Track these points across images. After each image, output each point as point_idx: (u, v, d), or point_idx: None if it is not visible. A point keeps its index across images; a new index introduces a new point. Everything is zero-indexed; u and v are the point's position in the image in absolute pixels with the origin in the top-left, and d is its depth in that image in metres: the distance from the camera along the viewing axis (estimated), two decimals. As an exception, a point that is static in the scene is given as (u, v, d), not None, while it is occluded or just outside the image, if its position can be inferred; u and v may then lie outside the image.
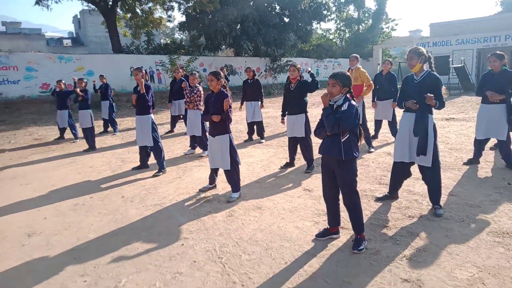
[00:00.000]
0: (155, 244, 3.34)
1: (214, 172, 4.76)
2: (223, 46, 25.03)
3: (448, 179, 4.75)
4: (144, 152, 5.89)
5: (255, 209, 4.08)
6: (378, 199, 4.18)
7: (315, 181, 4.98)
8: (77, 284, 2.74)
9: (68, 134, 9.22)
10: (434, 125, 3.67)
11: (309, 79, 5.36)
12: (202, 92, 6.51)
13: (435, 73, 3.66)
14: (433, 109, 3.66)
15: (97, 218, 4.02)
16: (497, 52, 4.99)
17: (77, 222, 3.93)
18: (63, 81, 8.89)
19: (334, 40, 37.29)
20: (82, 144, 8.29)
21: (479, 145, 5.35)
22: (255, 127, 8.05)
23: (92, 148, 7.64)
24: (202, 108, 6.59)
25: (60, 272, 2.91)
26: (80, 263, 3.04)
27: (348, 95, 2.90)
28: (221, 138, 4.34)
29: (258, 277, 2.74)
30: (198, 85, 6.56)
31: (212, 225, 3.71)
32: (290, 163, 5.73)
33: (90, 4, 20.07)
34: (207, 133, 6.72)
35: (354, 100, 2.91)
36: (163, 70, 19.10)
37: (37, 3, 17.77)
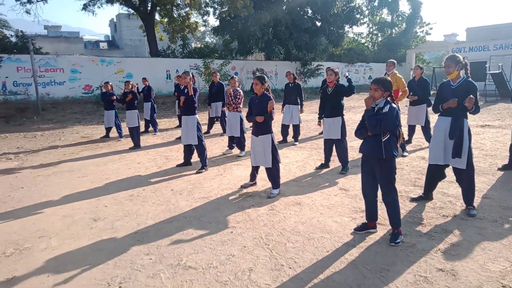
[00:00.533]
0: (207, 230, 3.72)
1: (255, 170, 5.11)
2: (254, 50, 25.49)
3: (482, 183, 4.87)
4: (188, 150, 6.34)
5: (295, 205, 4.39)
6: (413, 200, 4.38)
7: (351, 182, 5.22)
8: (144, 261, 3.15)
9: (113, 133, 9.87)
10: (469, 129, 3.85)
11: (346, 84, 5.59)
12: (242, 95, 6.89)
13: (471, 79, 3.84)
14: (468, 114, 3.84)
15: (152, 207, 4.46)
16: None
17: (134, 210, 4.38)
18: (110, 83, 9.54)
19: (366, 44, 36.96)
20: (127, 143, 8.89)
21: None
22: (289, 129, 8.33)
23: (137, 146, 8.20)
24: (242, 110, 7.00)
25: (127, 251, 3.33)
26: (144, 244, 3.46)
27: (389, 98, 3.16)
28: (264, 138, 4.69)
29: (303, 261, 3.05)
30: (238, 88, 6.95)
31: (256, 217, 4.05)
32: (325, 165, 5.99)
33: (129, 9, 21.08)
34: (245, 134, 7.14)
35: (395, 103, 3.17)
36: (197, 73, 19.76)
37: (83, 8, 18.95)
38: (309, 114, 13.59)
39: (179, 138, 9.33)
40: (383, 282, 2.72)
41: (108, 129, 9.72)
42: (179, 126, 11.20)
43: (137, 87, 10.95)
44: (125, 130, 9.87)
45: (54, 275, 2.94)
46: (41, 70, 15.96)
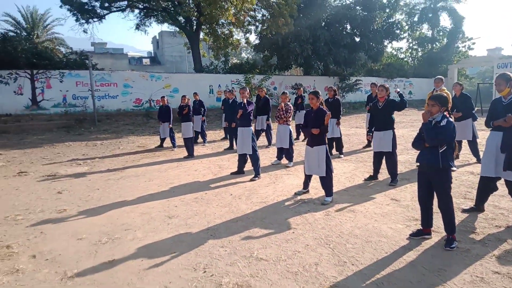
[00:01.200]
0: (270, 230, 4.12)
1: (308, 178, 5.48)
2: (293, 65, 26.04)
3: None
4: (242, 160, 6.81)
5: (349, 212, 4.70)
6: (464, 211, 4.55)
7: (401, 193, 5.45)
8: (220, 252, 3.59)
9: (167, 143, 10.60)
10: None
11: (397, 99, 5.85)
12: (292, 109, 7.33)
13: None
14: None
15: (217, 209, 4.93)
16: None
17: (202, 210, 4.87)
18: (166, 97, 10.31)
19: (405, 59, 36.52)
20: (180, 152, 9.56)
21: None
22: (334, 143, 8.63)
23: (191, 155, 8.82)
24: (291, 123, 7.41)
25: (204, 243, 3.79)
26: (218, 238, 3.91)
27: (445, 113, 3.45)
28: (319, 149, 5.06)
29: (364, 260, 3.36)
30: (288, 103, 7.39)
31: (314, 221, 4.40)
32: (374, 176, 6.24)
33: (176, 28, 22.36)
34: (293, 146, 7.53)
35: (451, 117, 3.46)
36: (237, 88, 20.53)
37: (136, 28, 20.44)
38: (349, 129, 13.78)
39: (227, 149, 9.92)
40: (441, 280, 2.98)
41: (163, 140, 10.46)
42: (225, 138, 11.88)
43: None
44: (178, 141, 10.61)
45: (146, 260, 3.44)
46: (97, 84, 17.28)
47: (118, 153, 9.70)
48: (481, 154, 7.59)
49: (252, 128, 6.64)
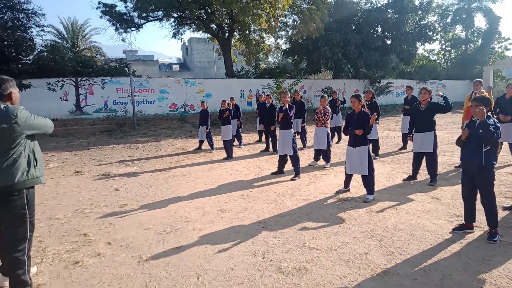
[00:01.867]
0: (318, 224, 4.43)
1: (349, 177, 5.74)
2: (323, 69, 26.19)
3: None
4: (282, 160, 7.15)
5: (391, 208, 4.93)
6: (505, 208, 4.68)
7: (441, 192, 5.61)
8: (274, 242, 3.94)
9: (205, 146, 11.11)
10: None
11: (440, 101, 5.95)
12: (330, 112, 7.61)
13: None
14: None
15: (263, 205, 5.29)
16: None
17: (250, 206, 5.25)
18: (206, 102, 10.83)
19: (437, 61, 35.77)
20: (218, 154, 10.02)
21: None
22: (370, 144, 8.80)
23: (230, 157, 9.25)
24: (329, 125, 7.69)
25: (259, 234, 4.16)
26: (270, 230, 4.27)
27: (489, 113, 3.65)
28: (361, 149, 5.32)
29: (411, 250, 3.61)
30: (327, 106, 7.68)
31: (358, 217, 4.67)
32: (413, 177, 6.40)
33: (208, 35, 23.08)
34: (331, 147, 7.79)
35: (493, 117, 3.65)
36: (270, 92, 20.94)
37: (173, 36, 21.40)
38: (382, 131, 13.84)
39: (263, 151, 10.29)
40: (486, 268, 3.19)
41: (201, 142, 10.98)
42: (259, 140, 12.29)
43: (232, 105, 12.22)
44: (215, 143, 11.09)
45: (210, 246, 3.84)
46: (136, 90, 18.17)
47: (161, 155, 10.29)
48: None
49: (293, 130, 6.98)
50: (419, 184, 6.16)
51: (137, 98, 18.12)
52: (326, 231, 4.20)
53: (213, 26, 21.31)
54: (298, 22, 19.35)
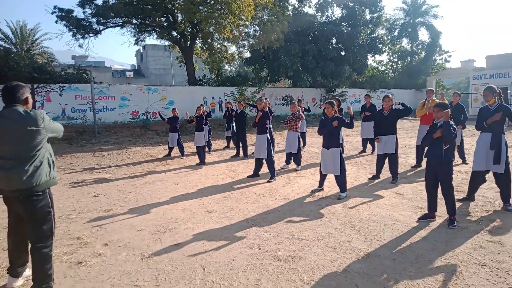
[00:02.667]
0: (301, 218, 4.85)
1: (323, 177, 6.25)
2: (282, 78, 27.10)
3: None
4: (258, 164, 7.54)
5: (363, 204, 5.48)
6: (458, 200, 5.39)
7: (403, 189, 6.29)
8: (266, 235, 4.29)
9: (174, 152, 11.20)
10: (506, 141, 4.93)
11: (400, 107, 6.64)
12: (301, 117, 8.14)
13: (504, 103, 4.97)
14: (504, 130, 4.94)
15: (247, 204, 5.63)
16: None
17: (235, 206, 5.56)
18: (176, 109, 10.96)
19: (386, 71, 38.30)
20: (190, 160, 10.19)
21: None
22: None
23: (202, 162, 9.47)
24: (299, 129, 8.21)
25: (249, 230, 4.49)
26: (259, 226, 4.61)
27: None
28: (334, 150, 5.85)
29: (386, 237, 4.13)
30: (296, 112, 8.19)
31: (335, 211, 5.16)
32: (377, 176, 7.07)
33: (169, 42, 23.07)
34: (301, 151, 8.30)
35: (451, 121, 4.31)
36: (232, 100, 21.32)
37: (136, 43, 21.15)
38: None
39: (234, 156, 10.62)
40: (450, 248, 3.78)
41: (171, 149, 11.07)
42: (227, 147, 12.60)
43: (207, 112, 12.41)
44: (186, 150, 11.22)
45: (207, 242, 4.11)
46: (96, 98, 17.71)
47: (130, 162, 10.25)
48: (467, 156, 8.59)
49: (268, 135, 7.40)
50: (383, 182, 6.83)
51: (97, 105, 17.64)
52: (310, 224, 4.63)
53: (174, 33, 21.37)
54: (260, 32, 20.01)
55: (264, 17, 20.60)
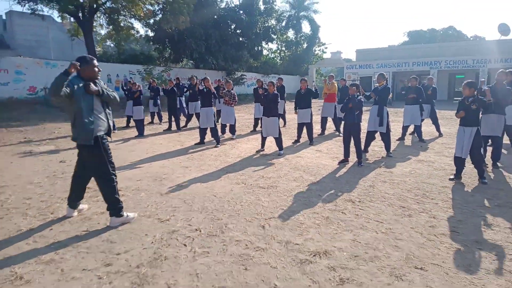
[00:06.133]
0: (260, 167, 6.52)
1: (264, 140, 8.00)
2: (185, 59, 27.81)
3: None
4: (203, 133, 8.87)
5: (297, 157, 7.44)
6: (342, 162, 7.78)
7: (319, 147, 8.50)
8: (242, 178, 5.83)
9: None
10: (387, 111, 7.46)
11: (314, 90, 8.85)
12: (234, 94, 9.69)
13: (387, 85, 7.46)
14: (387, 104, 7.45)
15: (211, 162, 7.02)
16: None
17: (202, 163, 6.90)
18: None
19: (275, 58, 42.02)
20: (125, 133, 10.78)
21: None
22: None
23: (141, 135, 10.25)
24: (234, 104, 9.75)
25: (227, 175, 5.96)
26: (233, 173, 6.12)
27: (359, 92, 6.48)
28: (274, 119, 7.63)
29: (322, 172, 6.12)
30: (232, 90, 9.69)
31: (281, 162, 6.98)
32: (298, 140, 9.17)
33: (65, 14, 21.45)
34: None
35: (361, 95, 6.50)
36: (139, 78, 21.33)
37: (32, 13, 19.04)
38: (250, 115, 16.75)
39: (167, 129, 11.60)
40: (364, 175, 5.95)
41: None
42: (151, 122, 13.35)
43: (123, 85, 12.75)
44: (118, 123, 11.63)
45: (202, 183, 5.46)
46: (-18, 70, 15.90)
47: (62, 135, 10.31)
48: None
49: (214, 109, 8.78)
50: (304, 144, 8.96)
51: (-15, 79, 15.89)
52: (269, 169, 6.36)
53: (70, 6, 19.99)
54: (168, 12, 20.31)
55: (170, -4, 20.96)
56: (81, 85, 3.63)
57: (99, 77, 3.92)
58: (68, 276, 2.83)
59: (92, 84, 3.70)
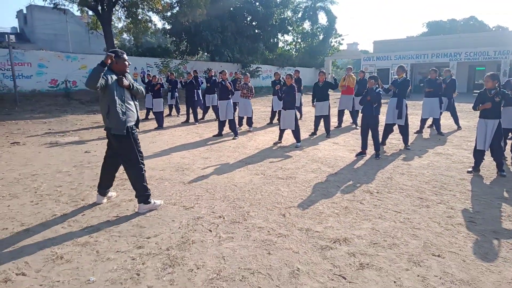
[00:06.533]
0: (278, 159, 6.65)
1: (282, 132, 8.11)
2: (201, 51, 28.00)
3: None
4: (222, 125, 9.04)
5: (315, 150, 7.54)
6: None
7: (336, 139, 8.57)
8: (261, 168, 5.97)
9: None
10: (406, 104, 7.45)
11: (332, 81, 8.89)
12: (252, 87, 9.80)
13: (408, 78, 7.44)
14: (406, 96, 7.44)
15: (230, 153, 7.19)
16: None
17: (221, 154, 7.07)
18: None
19: (291, 50, 41.78)
20: (145, 125, 11.06)
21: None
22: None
23: (161, 127, 10.50)
24: (251, 97, 9.87)
25: (247, 166, 6.11)
26: (252, 164, 6.27)
27: (377, 85, 6.51)
28: (291, 111, 7.73)
29: (340, 164, 6.21)
30: (248, 83, 9.81)
31: (299, 154, 7.09)
32: (314, 133, 9.25)
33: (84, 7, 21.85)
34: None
35: (380, 88, 6.53)
36: (156, 70, 21.63)
37: (54, 8, 19.53)
38: (266, 107, 16.85)
39: (184, 122, 11.82)
40: (382, 167, 6.02)
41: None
42: (169, 114, 13.61)
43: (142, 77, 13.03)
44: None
45: (224, 174, 5.63)
46: (9, 64, 16.41)
47: (85, 127, 10.65)
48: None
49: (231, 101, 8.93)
50: (321, 137, 9.04)
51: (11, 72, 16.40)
52: (287, 161, 6.48)
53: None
54: (185, 5, 20.46)
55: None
56: (114, 77, 3.81)
57: (128, 71, 4.10)
58: (103, 256, 3.05)
59: (124, 78, 3.89)
